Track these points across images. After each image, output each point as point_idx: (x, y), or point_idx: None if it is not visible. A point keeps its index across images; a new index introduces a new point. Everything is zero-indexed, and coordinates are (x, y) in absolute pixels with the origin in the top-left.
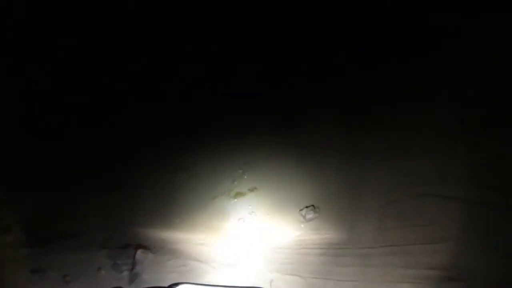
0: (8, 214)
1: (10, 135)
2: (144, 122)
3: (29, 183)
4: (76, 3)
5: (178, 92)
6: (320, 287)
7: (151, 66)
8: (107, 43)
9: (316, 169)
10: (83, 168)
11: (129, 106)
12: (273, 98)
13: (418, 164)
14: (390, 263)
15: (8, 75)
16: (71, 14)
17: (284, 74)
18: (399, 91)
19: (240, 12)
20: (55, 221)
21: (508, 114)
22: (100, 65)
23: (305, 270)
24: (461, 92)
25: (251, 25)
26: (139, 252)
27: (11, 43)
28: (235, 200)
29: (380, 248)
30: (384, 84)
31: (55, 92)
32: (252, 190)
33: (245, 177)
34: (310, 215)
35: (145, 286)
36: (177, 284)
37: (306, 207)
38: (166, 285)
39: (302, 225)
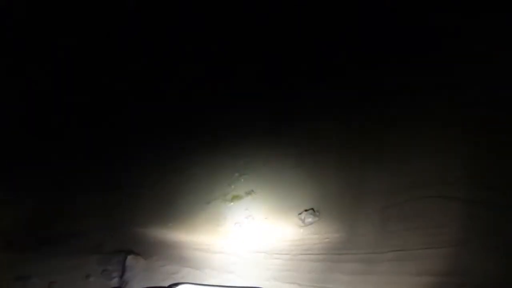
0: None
1: (10, 135)
2: (144, 122)
3: (29, 183)
4: (76, 3)
5: (178, 92)
6: None
7: (151, 66)
8: (107, 43)
9: (316, 169)
10: (83, 168)
11: (129, 106)
12: (273, 98)
13: (418, 164)
14: (394, 270)
15: (8, 75)
16: (71, 14)
17: (284, 74)
18: (399, 91)
19: (240, 12)
20: (55, 221)
21: (508, 114)
22: (100, 65)
23: (304, 278)
24: (461, 92)
25: (251, 25)
26: (129, 258)
27: (11, 43)
28: (232, 203)
29: (383, 254)
30: (384, 84)
31: (55, 92)
32: (249, 193)
33: (242, 180)
34: (309, 219)
35: (145, 287)
36: (177, 284)
37: (306, 210)
38: None
39: (301, 230)
